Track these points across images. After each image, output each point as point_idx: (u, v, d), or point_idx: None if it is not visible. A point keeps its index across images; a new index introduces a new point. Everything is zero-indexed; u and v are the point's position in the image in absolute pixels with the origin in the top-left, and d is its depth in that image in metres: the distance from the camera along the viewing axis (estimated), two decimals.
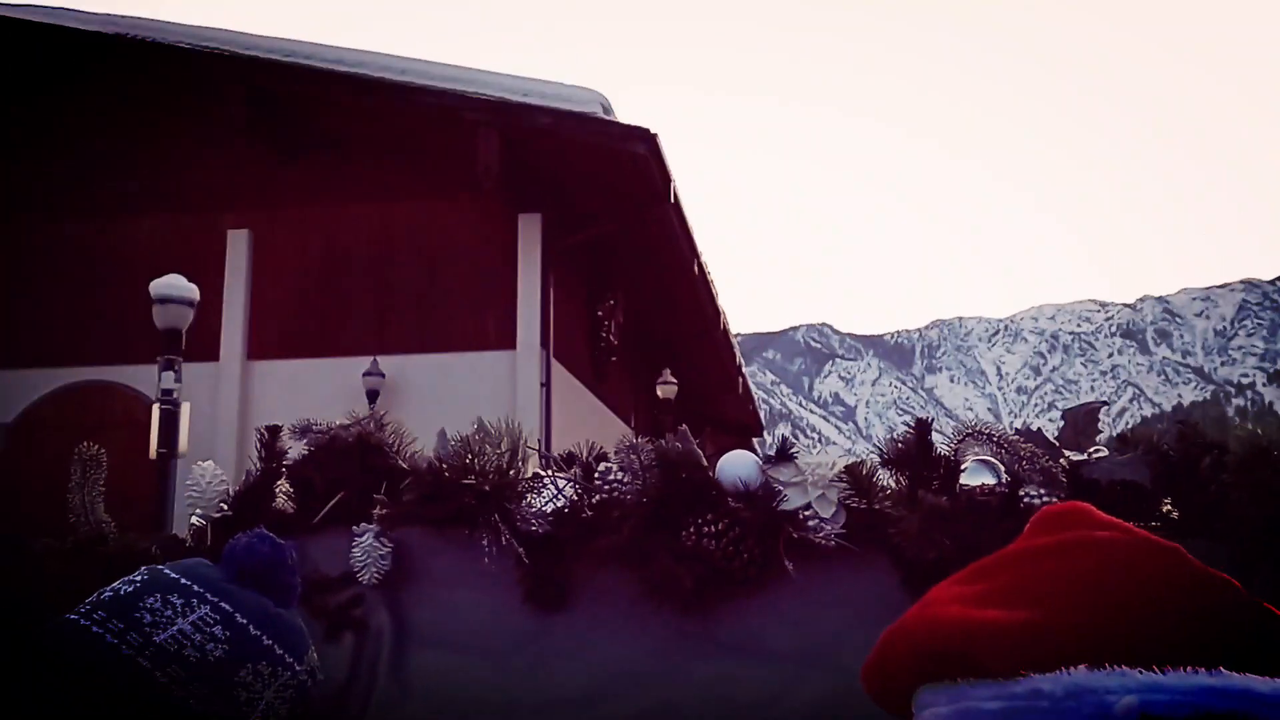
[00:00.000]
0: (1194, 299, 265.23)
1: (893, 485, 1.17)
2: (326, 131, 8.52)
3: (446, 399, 7.44)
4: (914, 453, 1.16)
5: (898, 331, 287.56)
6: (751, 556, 1.13)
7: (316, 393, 7.56)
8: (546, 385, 8.14)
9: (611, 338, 10.25)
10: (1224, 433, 1.09)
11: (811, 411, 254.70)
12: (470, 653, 1.18)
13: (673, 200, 8.16)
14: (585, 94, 7.64)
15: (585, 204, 8.58)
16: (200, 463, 1.26)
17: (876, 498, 1.14)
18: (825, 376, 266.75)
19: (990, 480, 1.10)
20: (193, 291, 6.36)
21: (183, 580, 0.83)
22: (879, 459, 1.18)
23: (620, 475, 1.18)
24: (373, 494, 1.21)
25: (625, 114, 7.71)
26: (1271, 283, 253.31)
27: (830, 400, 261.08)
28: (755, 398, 17.31)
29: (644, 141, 7.41)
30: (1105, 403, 1.21)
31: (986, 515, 1.08)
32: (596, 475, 1.20)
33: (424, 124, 8.09)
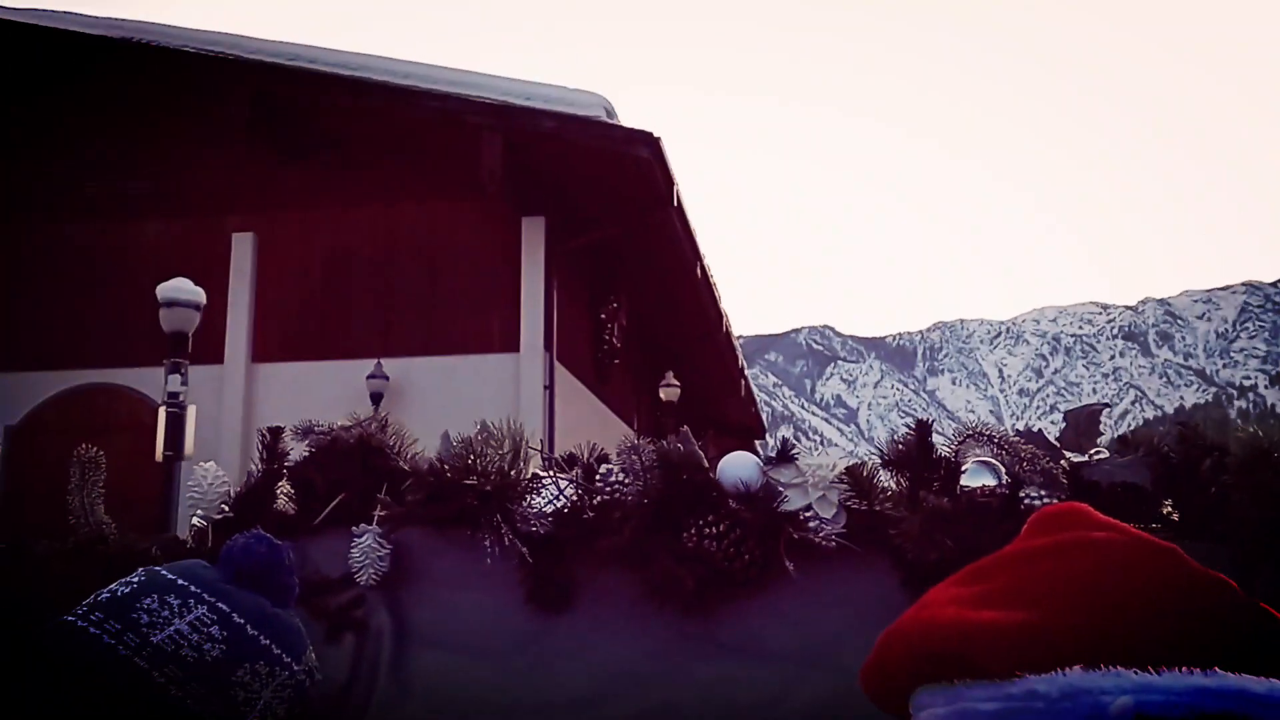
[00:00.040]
0: (1196, 301, 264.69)
1: (893, 487, 1.17)
2: (330, 134, 8.55)
3: (450, 401, 7.45)
4: (914, 454, 1.16)
5: (900, 334, 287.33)
6: (752, 558, 1.13)
7: (321, 395, 7.57)
8: (550, 388, 8.15)
9: (614, 340, 10.26)
10: (1224, 435, 1.09)
11: (813, 414, 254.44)
12: (471, 653, 1.18)
13: (676, 204, 8.17)
14: (588, 98, 7.66)
15: (588, 207, 8.59)
16: (202, 464, 1.26)
17: (877, 499, 1.14)
18: (827, 379, 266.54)
19: (991, 481, 1.10)
20: (199, 295, 6.38)
21: (180, 581, 0.83)
22: (880, 460, 1.19)
23: (621, 476, 1.18)
24: (374, 495, 1.21)
25: (626, 114, 7.74)
26: (1273, 285, 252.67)
27: (832, 402, 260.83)
28: (757, 400, 17.30)
29: (647, 145, 7.43)
30: (1106, 405, 1.21)
31: (987, 516, 1.08)
32: (598, 476, 1.20)
33: (427, 127, 8.12)
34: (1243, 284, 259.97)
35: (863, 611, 1.11)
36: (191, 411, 6.27)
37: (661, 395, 11.30)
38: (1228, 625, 0.51)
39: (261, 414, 8.00)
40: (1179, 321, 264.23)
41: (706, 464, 1.18)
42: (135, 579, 0.83)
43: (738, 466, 1.16)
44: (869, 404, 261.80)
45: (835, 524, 1.13)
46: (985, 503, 1.09)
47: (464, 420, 1.24)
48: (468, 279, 8.43)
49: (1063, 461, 1.13)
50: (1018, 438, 1.13)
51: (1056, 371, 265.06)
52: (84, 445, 1.23)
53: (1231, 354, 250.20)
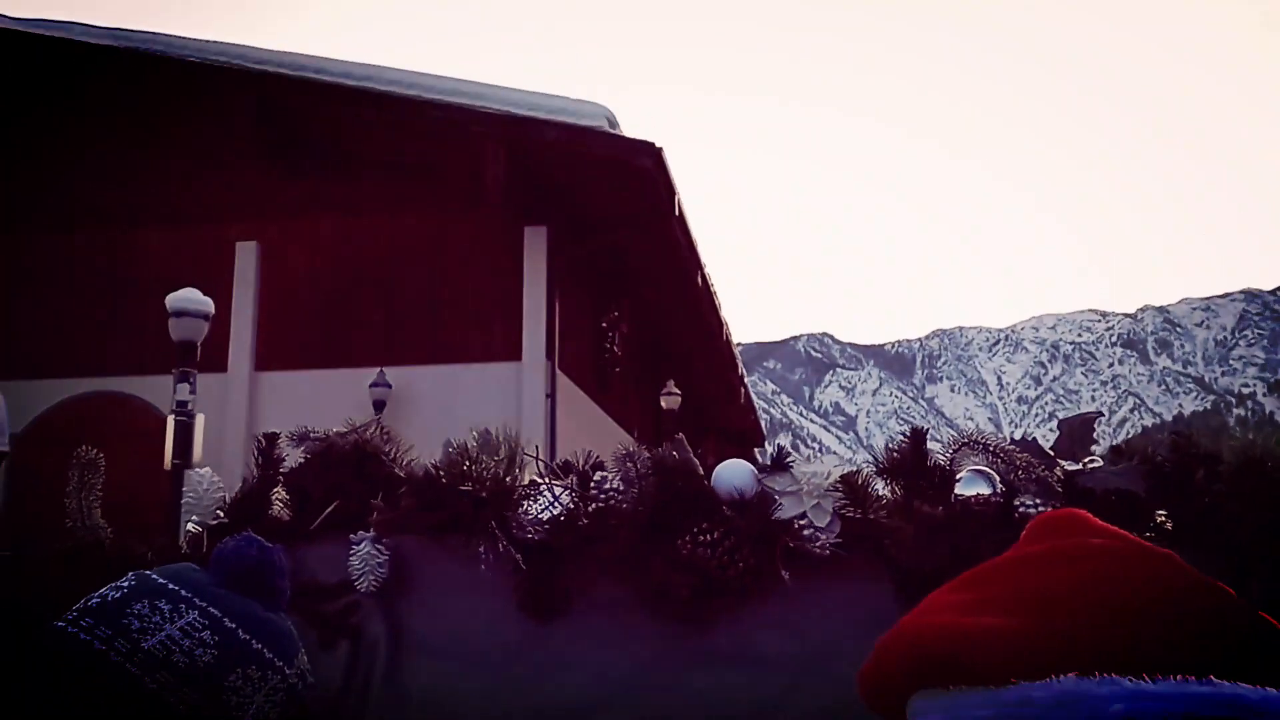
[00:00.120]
0: (1194, 309, 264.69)
1: (888, 495, 1.16)
2: (334, 144, 8.59)
3: (453, 410, 7.45)
4: (909, 462, 1.16)
5: (898, 341, 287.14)
6: (747, 565, 1.13)
7: (324, 404, 7.57)
8: (552, 396, 8.16)
9: (616, 349, 10.27)
10: (1219, 443, 1.09)
11: (812, 421, 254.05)
12: (465, 660, 1.18)
13: (677, 213, 8.20)
14: (591, 108, 7.70)
15: (591, 217, 8.62)
16: (197, 469, 1.26)
17: (872, 507, 1.14)
18: (826, 386, 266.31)
19: (985, 490, 1.10)
20: (208, 305, 6.39)
21: (170, 585, 0.83)
22: (874, 468, 1.19)
23: (617, 484, 1.18)
24: (370, 501, 1.21)
25: (625, 116, 7.79)
26: (1272, 293, 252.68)
27: (831, 410, 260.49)
28: (756, 407, 17.30)
29: (649, 155, 7.46)
30: (1100, 413, 1.21)
31: (982, 524, 1.08)
32: (593, 483, 1.20)
33: (431, 137, 8.16)
34: (1241, 291, 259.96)
35: (857, 619, 1.10)
36: (200, 420, 6.28)
37: (663, 404, 11.31)
38: (1224, 632, 0.51)
39: (264, 422, 8.00)
40: (1178, 329, 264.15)
41: (701, 471, 1.18)
42: (125, 583, 0.83)
43: (733, 474, 1.16)
44: (867, 411, 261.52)
45: (830, 532, 1.13)
46: (980, 511, 1.09)
47: (466, 429, 1.25)
48: (470, 288, 8.45)
49: (1057, 469, 1.13)
50: (1012, 446, 1.13)
51: (1055, 379, 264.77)
52: (84, 448, 1.23)
53: (1230, 361, 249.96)
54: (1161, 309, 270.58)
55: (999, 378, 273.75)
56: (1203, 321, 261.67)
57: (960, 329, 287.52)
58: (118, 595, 0.82)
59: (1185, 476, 1.07)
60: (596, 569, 1.18)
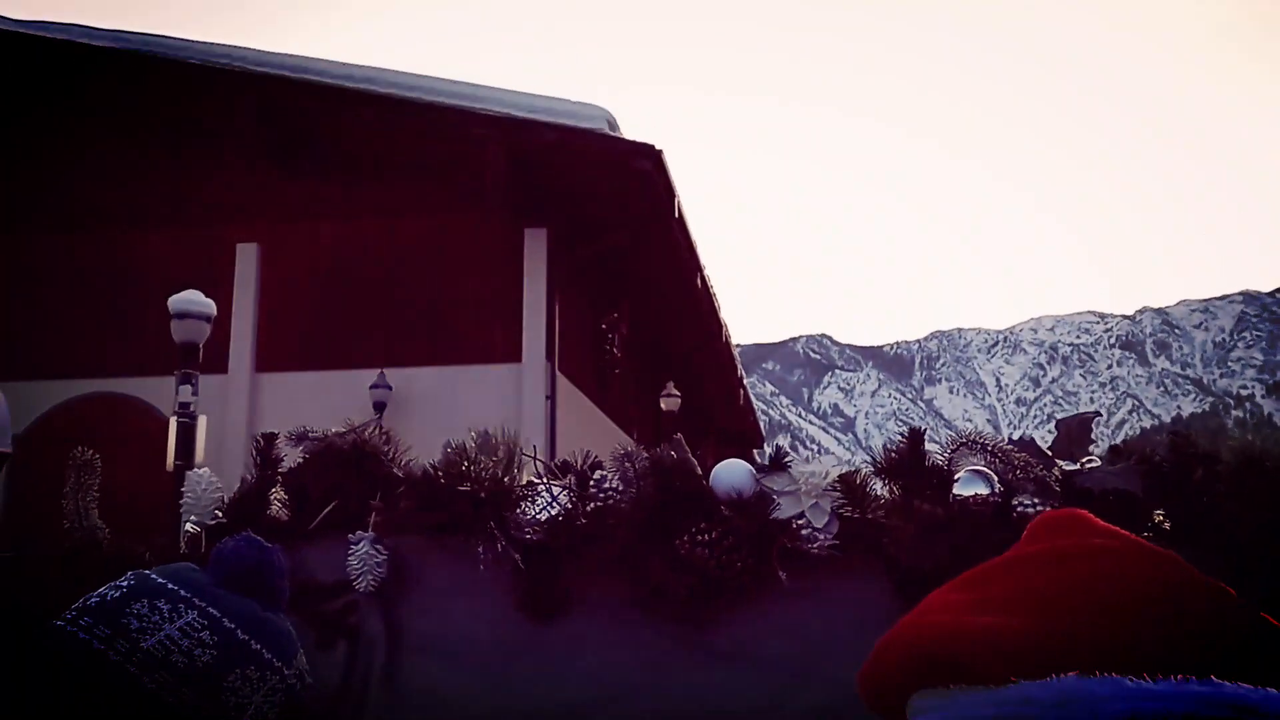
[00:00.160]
0: (1193, 311, 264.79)
1: (887, 495, 1.16)
2: (335, 146, 8.59)
3: (453, 411, 7.45)
4: (907, 462, 1.16)
5: (897, 343, 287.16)
6: (745, 565, 1.13)
7: (324, 405, 7.57)
8: (551, 398, 8.16)
9: (615, 350, 10.28)
10: (1217, 443, 1.09)
11: (811, 422, 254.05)
12: (463, 660, 1.18)
13: (677, 215, 8.21)
14: (591, 110, 7.71)
15: (591, 219, 8.63)
16: (196, 469, 1.26)
17: (870, 507, 1.14)
18: (824, 387, 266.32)
19: (984, 490, 1.10)
20: (210, 307, 6.39)
21: (169, 585, 0.83)
22: (873, 468, 1.19)
23: (615, 484, 1.18)
24: (368, 501, 1.21)
25: (625, 120, 7.80)
26: (1270, 294, 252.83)
27: (829, 411, 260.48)
28: (755, 409, 17.31)
29: (649, 157, 7.47)
30: (1098, 413, 1.21)
31: (980, 524, 1.08)
32: (591, 483, 1.20)
33: (431, 139, 8.16)
34: (1240, 293, 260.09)
35: (855, 619, 1.10)
36: (202, 422, 6.28)
37: (662, 405, 11.31)
38: (1224, 632, 0.51)
39: (265, 424, 7.99)
40: (1176, 331, 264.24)
41: (700, 471, 1.18)
42: (124, 583, 0.83)
43: (731, 474, 1.16)
44: (866, 413, 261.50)
45: (828, 532, 1.13)
46: (978, 511, 1.09)
47: (466, 430, 1.25)
48: (470, 290, 8.46)
49: (1055, 470, 1.13)
50: (1010, 446, 1.13)
51: (1054, 381, 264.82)
52: (80, 448, 1.23)
53: (1229, 363, 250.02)
54: (1160, 311, 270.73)
55: (997, 379, 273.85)
56: (1201, 323, 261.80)
57: (959, 330, 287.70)
58: (117, 595, 0.82)
59: (1184, 476, 1.07)
60: (595, 569, 1.18)
